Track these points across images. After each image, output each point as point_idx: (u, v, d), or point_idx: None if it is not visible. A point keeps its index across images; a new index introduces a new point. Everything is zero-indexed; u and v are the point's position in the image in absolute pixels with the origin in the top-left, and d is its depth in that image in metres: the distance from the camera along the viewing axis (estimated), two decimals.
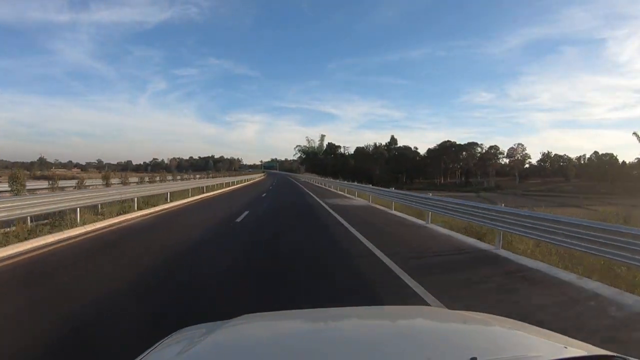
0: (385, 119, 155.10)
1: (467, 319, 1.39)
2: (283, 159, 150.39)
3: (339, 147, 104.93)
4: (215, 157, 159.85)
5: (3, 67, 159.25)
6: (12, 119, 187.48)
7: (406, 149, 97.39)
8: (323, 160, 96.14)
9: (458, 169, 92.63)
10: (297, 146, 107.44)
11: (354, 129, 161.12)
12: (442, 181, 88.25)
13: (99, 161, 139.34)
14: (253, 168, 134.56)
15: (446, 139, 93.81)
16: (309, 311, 1.87)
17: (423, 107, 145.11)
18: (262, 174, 75.36)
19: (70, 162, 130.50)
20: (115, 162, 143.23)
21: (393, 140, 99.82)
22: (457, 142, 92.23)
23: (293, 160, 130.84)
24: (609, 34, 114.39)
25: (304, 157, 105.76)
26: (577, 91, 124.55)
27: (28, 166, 64.86)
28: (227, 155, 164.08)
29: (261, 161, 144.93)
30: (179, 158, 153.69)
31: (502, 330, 1.24)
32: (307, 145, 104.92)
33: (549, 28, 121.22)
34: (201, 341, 1.07)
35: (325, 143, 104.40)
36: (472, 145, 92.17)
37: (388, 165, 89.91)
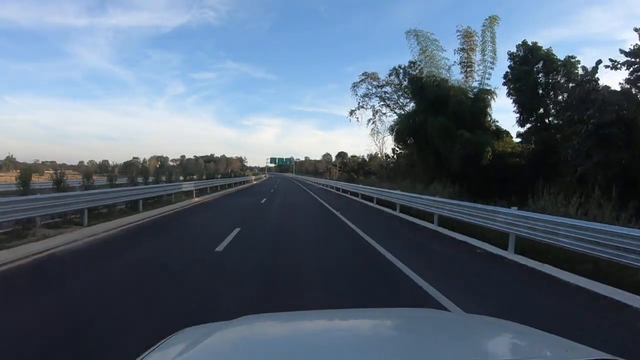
0: None
1: (470, 322, 1.39)
2: (303, 158, 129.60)
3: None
4: (216, 156, 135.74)
5: (24, 71, 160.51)
6: (32, 122, 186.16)
7: None
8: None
9: None
10: (358, 81, 29.02)
11: None
12: None
13: (81, 162, 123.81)
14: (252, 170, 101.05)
15: None
16: (311, 313, 1.88)
17: None
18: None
19: (54, 162, 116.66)
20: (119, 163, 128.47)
21: None
22: None
23: (317, 160, 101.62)
24: (629, 35, 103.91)
25: (399, 125, 21.05)
26: None
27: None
28: (238, 156, 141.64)
29: (274, 160, 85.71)
30: (163, 157, 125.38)
31: (504, 333, 1.24)
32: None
33: (569, 30, 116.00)
34: (202, 342, 1.07)
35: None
36: None
37: None
